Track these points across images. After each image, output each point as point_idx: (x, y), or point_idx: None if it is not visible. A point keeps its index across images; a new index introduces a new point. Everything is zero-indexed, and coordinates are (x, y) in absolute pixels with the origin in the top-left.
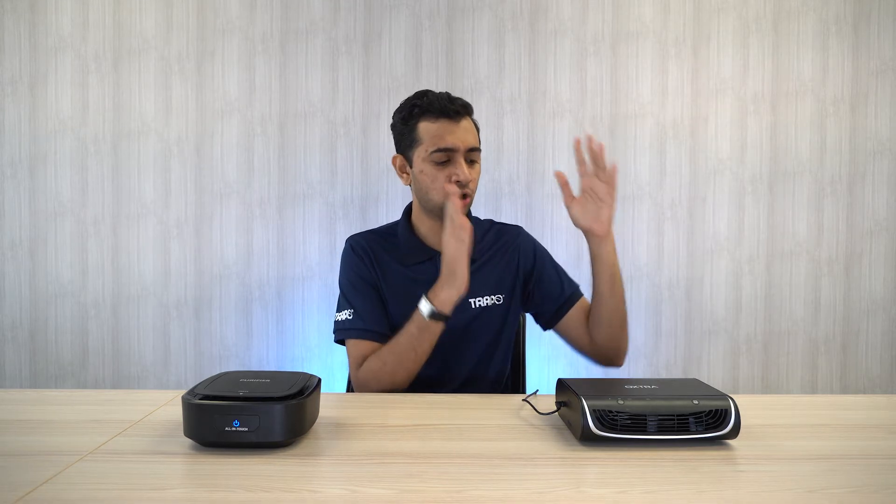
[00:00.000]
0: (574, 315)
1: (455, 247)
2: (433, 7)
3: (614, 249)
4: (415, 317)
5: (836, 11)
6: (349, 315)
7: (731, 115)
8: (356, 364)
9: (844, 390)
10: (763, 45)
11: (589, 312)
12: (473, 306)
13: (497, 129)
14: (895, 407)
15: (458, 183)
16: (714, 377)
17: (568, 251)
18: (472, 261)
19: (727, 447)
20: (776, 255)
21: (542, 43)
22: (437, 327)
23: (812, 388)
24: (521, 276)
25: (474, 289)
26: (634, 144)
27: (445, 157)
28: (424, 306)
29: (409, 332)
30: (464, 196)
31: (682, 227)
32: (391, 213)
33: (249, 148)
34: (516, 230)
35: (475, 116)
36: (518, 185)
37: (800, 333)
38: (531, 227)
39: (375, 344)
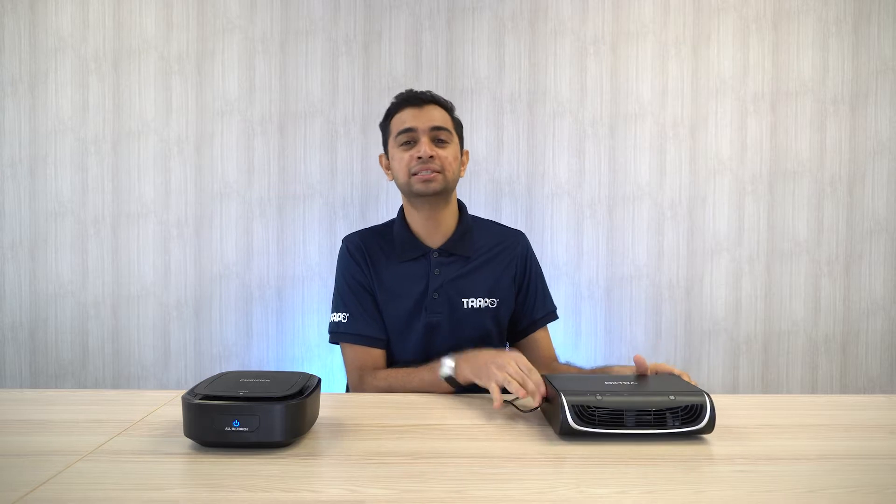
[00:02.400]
0: (534, 338)
1: (488, 378)
2: (433, 7)
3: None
4: (433, 366)
5: (836, 11)
6: (344, 318)
7: (731, 115)
8: (354, 370)
9: (844, 390)
10: (763, 45)
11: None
12: (465, 306)
13: (497, 129)
14: (895, 407)
15: (419, 159)
16: (714, 377)
17: (568, 252)
18: (468, 259)
19: (727, 447)
20: (776, 255)
21: (542, 43)
22: (448, 388)
23: (812, 388)
24: (515, 284)
25: (467, 289)
26: (634, 144)
27: (407, 137)
28: (447, 367)
29: (421, 377)
30: (432, 172)
31: (682, 227)
32: (391, 214)
33: (249, 148)
34: (517, 236)
35: (476, 116)
36: (518, 185)
37: (800, 333)
38: (531, 226)
39: (372, 350)
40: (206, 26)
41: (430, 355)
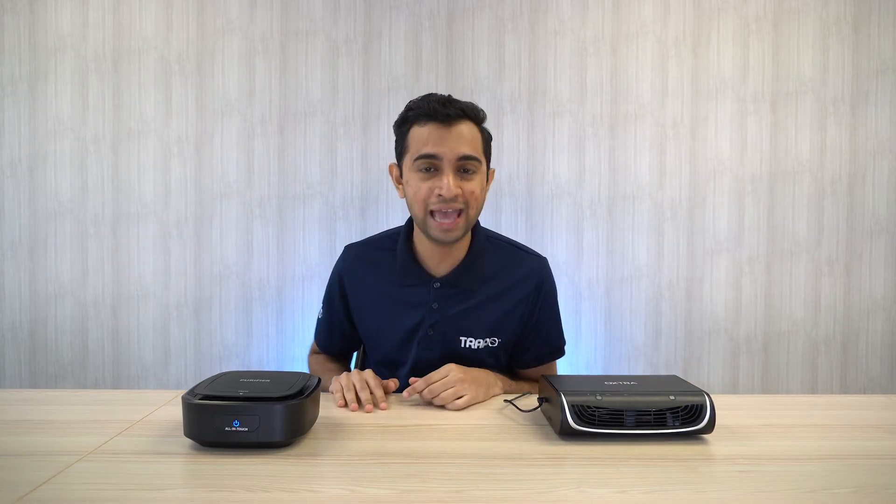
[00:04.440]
0: (532, 372)
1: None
2: (433, 7)
3: (490, 391)
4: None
5: (836, 11)
6: (319, 316)
7: (731, 115)
8: (309, 352)
9: (844, 390)
10: (763, 45)
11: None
12: (462, 345)
13: (497, 129)
14: (895, 407)
15: (440, 197)
16: (714, 377)
17: (568, 252)
18: (472, 293)
19: (727, 447)
20: (776, 255)
21: (542, 43)
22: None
23: (812, 388)
24: (521, 323)
25: (467, 328)
26: (634, 144)
27: (427, 164)
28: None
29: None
30: (454, 218)
31: (682, 227)
32: (391, 214)
33: (249, 148)
34: (534, 266)
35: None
36: (518, 185)
37: (800, 333)
38: (531, 226)
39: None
40: (206, 26)
41: None
